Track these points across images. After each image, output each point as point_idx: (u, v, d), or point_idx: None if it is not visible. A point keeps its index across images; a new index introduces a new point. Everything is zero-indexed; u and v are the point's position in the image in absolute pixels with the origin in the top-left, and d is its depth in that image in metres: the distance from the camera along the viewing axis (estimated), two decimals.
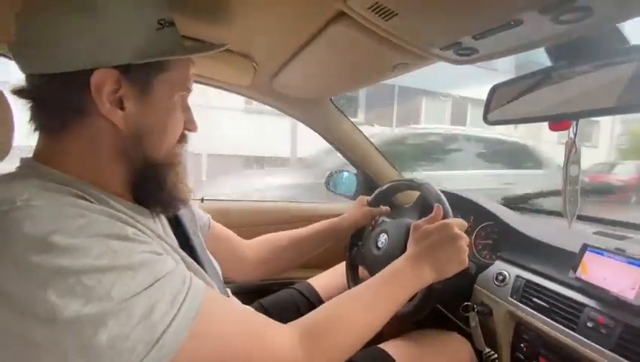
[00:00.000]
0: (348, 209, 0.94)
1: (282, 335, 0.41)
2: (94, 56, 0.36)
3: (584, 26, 0.42)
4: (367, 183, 1.27)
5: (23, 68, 0.38)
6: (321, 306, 0.49)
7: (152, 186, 0.44)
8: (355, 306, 0.49)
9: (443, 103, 11.15)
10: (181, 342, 0.31)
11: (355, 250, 0.93)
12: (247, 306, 0.46)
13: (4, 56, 0.76)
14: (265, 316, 0.42)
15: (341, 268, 0.99)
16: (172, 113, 0.43)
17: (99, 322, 0.28)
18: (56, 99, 0.37)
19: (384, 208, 0.93)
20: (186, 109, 0.47)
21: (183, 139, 0.47)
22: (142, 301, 0.31)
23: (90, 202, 0.36)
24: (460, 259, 0.60)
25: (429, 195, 0.76)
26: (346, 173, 1.34)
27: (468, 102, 11.63)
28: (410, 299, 0.71)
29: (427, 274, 0.57)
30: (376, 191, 0.93)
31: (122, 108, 0.39)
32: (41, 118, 0.39)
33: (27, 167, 0.39)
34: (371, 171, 1.25)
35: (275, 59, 0.80)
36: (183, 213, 0.58)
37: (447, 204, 0.71)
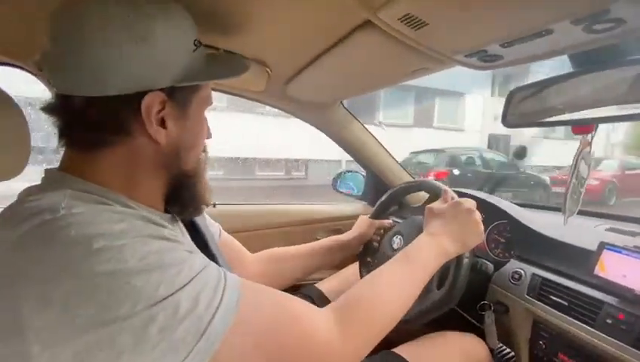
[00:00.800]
0: (356, 209, 0.95)
1: (318, 317, 0.43)
2: (144, 81, 0.38)
3: (615, 35, 0.43)
4: (376, 184, 1.28)
5: (61, 88, 0.38)
6: (351, 289, 0.50)
7: (186, 196, 0.47)
8: (383, 286, 0.51)
9: (405, 95, 10.49)
10: (227, 330, 0.33)
11: (367, 258, 0.94)
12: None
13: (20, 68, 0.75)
14: (299, 299, 0.44)
15: (349, 271, 1.00)
16: (203, 126, 0.47)
17: (149, 318, 0.30)
18: (100, 119, 0.38)
19: (387, 221, 0.94)
20: (205, 119, 0.49)
21: (204, 148, 0.50)
22: (186, 295, 0.32)
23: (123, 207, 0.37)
24: (478, 230, 0.63)
25: (434, 188, 0.77)
26: (354, 174, 1.35)
27: (435, 94, 10.80)
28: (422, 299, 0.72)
29: (449, 247, 0.60)
30: (376, 205, 0.94)
31: (164, 126, 0.41)
32: (77, 136, 0.40)
33: (54, 179, 0.39)
34: (380, 172, 1.26)
35: (290, 65, 0.79)
36: (197, 219, 0.60)
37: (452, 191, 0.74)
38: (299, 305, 0.43)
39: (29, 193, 0.37)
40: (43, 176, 0.40)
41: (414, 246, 0.58)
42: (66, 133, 0.40)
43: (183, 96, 0.42)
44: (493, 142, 12.04)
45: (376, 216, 0.94)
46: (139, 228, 0.34)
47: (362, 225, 0.92)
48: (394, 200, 0.96)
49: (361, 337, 0.45)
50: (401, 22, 0.48)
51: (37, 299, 0.29)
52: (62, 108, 0.39)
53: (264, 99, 1.03)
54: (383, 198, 0.94)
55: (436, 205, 0.67)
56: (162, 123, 0.40)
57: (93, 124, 0.39)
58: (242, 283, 0.38)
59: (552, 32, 0.44)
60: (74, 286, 0.29)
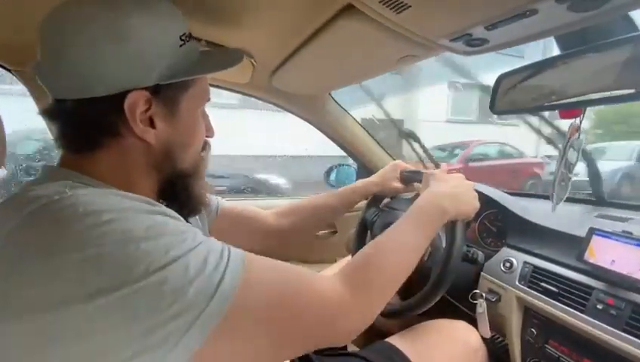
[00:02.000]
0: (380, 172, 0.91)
1: (326, 280, 0.44)
2: (125, 81, 0.38)
3: (600, 13, 0.42)
4: (368, 177, 1.27)
5: (53, 93, 0.40)
6: (356, 254, 0.51)
7: (181, 196, 0.46)
8: (387, 247, 0.51)
9: None
10: (237, 291, 0.34)
11: (372, 211, 0.92)
12: None
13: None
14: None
15: (345, 263, 0.98)
16: (197, 125, 0.46)
17: (161, 280, 0.30)
18: (88, 121, 0.39)
19: (417, 184, 0.90)
20: (205, 116, 0.48)
21: (205, 146, 0.49)
22: (194, 258, 0.33)
23: None
24: (474, 201, 0.66)
25: None
26: (346, 167, 1.34)
27: None
28: (418, 290, 0.72)
29: (448, 208, 0.61)
30: (414, 171, 0.89)
31: (153, 126, 0.40)
32: (71, 139, 0.41)
33: (54, 173, 0.40)
34: (372, 165, 1.25)
35: (275, 55, 0.78)
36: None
37: None
38: (302, 268, 0.43)
39: (30, 184, 0.37)
40: (40, 172, 0.41)
41: (415, 207, 0.59)
42: (62, 136, 0.41)
43: (170, 94, 0.41)
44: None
45: (402, 179, 0.89)
46: (142, 207, 0.35)
47: (386, 177, 0.90)
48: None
49: (369, 295, 0.46)
50: (383, 4, 0.47)
51: (43, 271, 0.29)
52: (56, 112, 0.40)
53: (250, 91, 1.01)
54: (413, 173, 0.88)
55: (439, 172, 0.70)
56: (151, 122, 0.40)
57: (84, 126, 0.39)
58: (246, 253, 0.38)
59: (536, 11, 0.43)
60: (84, 255, 0.29)
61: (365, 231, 0.92)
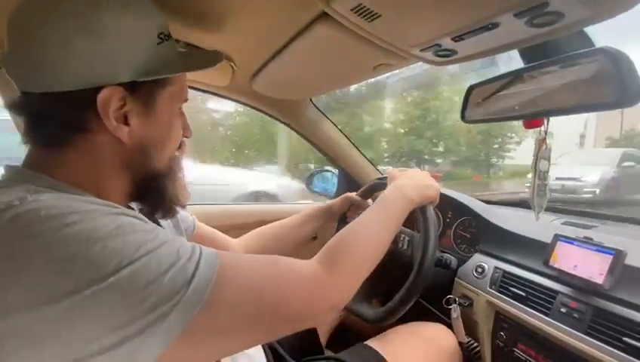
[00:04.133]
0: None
1: (300, 261, 0.44)
2: (99, 75, 0.36)
3: (556, 29, 0.45)
4: (348, 183, 1.28)
5: (20, 86, 0.38)
6: (331, 238, 0.52)
7: (155, 196, 0.46)
8: (357, 231, 0.53)
9: None
10: (214, 278, 0.34)
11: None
12: None
13: None
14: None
15: None
16: (173, 124, 0.45)
17: (133, 274, 0.30)
18: (58, 116, 0.38)
19: (371, 202, 0.92)
20: (182, 116, 0.48)
21: (181, 146, 0.48)
22: (166, 251, 0.33)
23: None
24: (434, 184, 0.70)
25: None
26: (327, 173, 1.35)
27: None
28: (392, 296, 0.72)
29: (413, 196, 0.65)
30: (367, 185, 0.91)
31: (127, 123, 0.39)
32: (38, 133, 0.39)
33: (17, 175, 0.38)
34: (352, 171, 1.27)
35: (254, 60, 0.78)
36: (164, 222, 0.58)
37: None
38: (277, 255, 0.44)
39: None
40: (3, 173, 0.39)
41: (381, 198, 0.62)
42: (29, 131, 0.39)
43: (146, 92, 0.40)
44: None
45: (362, 194, 0.91)
46: (107, 209, 0.34)
47: (346, 198, 0.92)
48: (379, 188, 0.90)
49: (345, 272, 0.47)
50: (355, 13, 0.48)
51: (3, 277, 0.28)
52: (23, 106, 0.39)
53: (230, 94, 1.01)
54: (374, 182, 0.89)
55: (395, 171, 0.74)
56: (125, 120, 0.39)
57: (52, 122, 0.38)
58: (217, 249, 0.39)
59: (498, 25, 0.45)
60: (47, 258, 0.29)
61: None
